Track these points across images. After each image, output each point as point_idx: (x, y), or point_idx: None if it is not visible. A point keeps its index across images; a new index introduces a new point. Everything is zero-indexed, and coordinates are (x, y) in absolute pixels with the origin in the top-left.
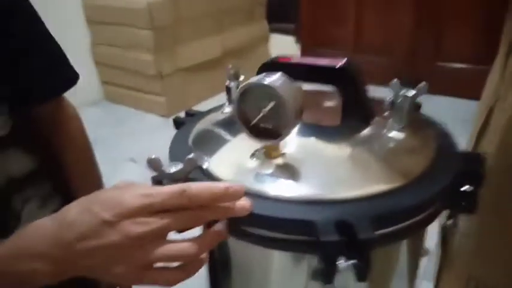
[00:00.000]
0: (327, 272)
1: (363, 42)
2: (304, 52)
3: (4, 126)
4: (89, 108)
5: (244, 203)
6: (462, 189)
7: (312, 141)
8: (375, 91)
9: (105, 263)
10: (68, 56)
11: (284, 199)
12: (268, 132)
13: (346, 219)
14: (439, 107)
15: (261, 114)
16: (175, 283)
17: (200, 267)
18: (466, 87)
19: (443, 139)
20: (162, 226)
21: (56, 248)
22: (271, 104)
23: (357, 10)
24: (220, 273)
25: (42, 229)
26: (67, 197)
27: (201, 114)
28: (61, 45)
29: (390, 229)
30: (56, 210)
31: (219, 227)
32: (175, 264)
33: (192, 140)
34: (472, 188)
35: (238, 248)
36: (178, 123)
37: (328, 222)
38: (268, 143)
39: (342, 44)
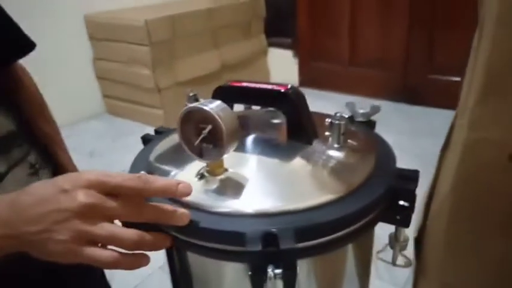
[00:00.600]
0: (255, 280)
1: (358, 55)
2: (302, 65)
3: None
4: (91, 121)
5: (185, 211)
6: (399, 203)
7: (257, 158)
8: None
9: (50, 230)
10: (72, 70)
11: (219, 212)
12: (209, 152)
13: (271, 231)
14: (431, 119)
15: (202, 136)
16: (109, 266)
17: (137, 265)
18: (459, 99)
19: (382, 157)
20: (110, 206)
21: (9, 210)
22: (209, 127)
23: (351, 25)
24: (182, 284)
25: (6, 198)
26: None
27: (168, 133)
28: (65, 60)
29: (315, 241)
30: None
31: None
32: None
33: (153, 157)
34: (406, 203)
35: (195, 260)
36: (145, 140)
37: (256, 234)
38: (209, 161)
39: (338, 57)
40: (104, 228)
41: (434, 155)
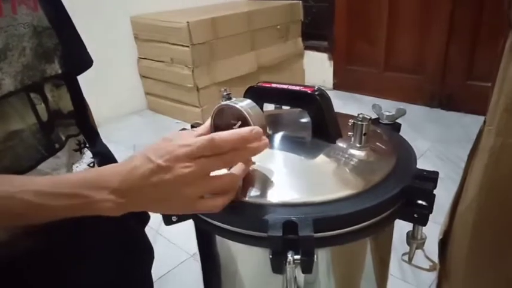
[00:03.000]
0: (275, 263)
1: (394, 60)
2: (337, 69)
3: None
4: (133, 116)
5: (264, 140)
6: (417, 202)
7: (282, 153)
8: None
9: (163, 198)
10: (118, 68)
11: (246, 201)
12: None
13: (291, 219)
14: (468, 126)
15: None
16: (220, 208)
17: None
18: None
19: (403, 158)
20: (202, 167)
21: (125, 184)
22: (239, 123)
23: (389, 29)
24: (212, 269)
25: (115, 169)
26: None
27: None
28: (112, 59)
29: (332, 232)
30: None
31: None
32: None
33: None
34: (424, 202)
35: (222, 243)
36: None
37: (277, 221)
38: None
39: (374, 61)
40: (205, 186)
41: None
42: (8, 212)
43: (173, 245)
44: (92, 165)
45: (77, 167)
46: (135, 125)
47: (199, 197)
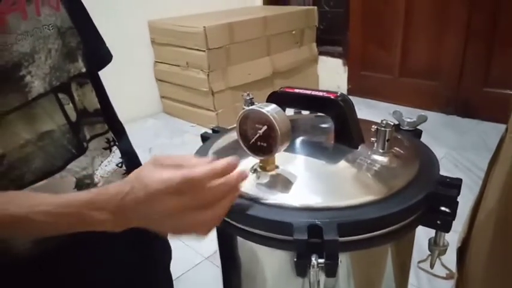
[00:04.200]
0: (299, 267)
1: (409, 66)
2: (351, 74)
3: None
4: (149, 119)
5: (240, 170)
6: (441, 209)
7: (305, 158)
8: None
9: (154, 222)
10: (134, 71)
11: (269, 204)
12: (263, 150)
13: (316, 223)
14: (484, 133)
15: (257, 135)
16: (204, 237)
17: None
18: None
19: (426, 164)
20: (183, 204)
21: (120, 207)
22: (265, 127)
23: (405, 35)
24: (233, 271)
25: (114, 190)
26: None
27: (224, 132)
28: (128, 63)
29: (356, 237)
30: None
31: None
32: None
33: (211, 153)
34: (447, 209)
35: (243, 246)
36: (204, 138)
37: (302, 225)
38: (262, 158)
39: (389, 67)
40: (185, 222)
41: (485, 169)
42: (21, 231)
43: (188, 247)
44: (120, 165)
45: (105, 165)
46: (151, 128)
47: (186, 222)
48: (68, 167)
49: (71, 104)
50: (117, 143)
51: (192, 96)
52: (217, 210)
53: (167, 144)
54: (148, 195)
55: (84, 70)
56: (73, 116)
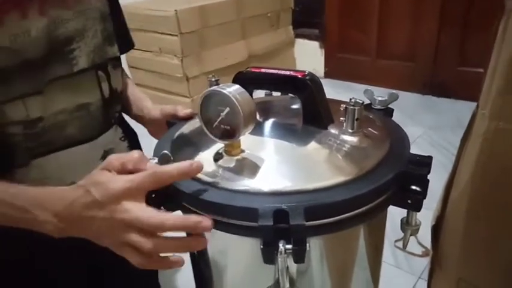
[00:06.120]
0: (266, 253)
1: (385, 48)
2: (328, 57)
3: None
4: None
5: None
6: (411, 188)
7: (273, 141)
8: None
9: (97, 233)
10: None
11: (234, 190)
12: (227, 133)
13: (282, 208)
14: (460, 112)
15: (220, 118)
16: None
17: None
18: (481, 89)
19: (397, 143)
20: (128, 219)
21: (67, 211)
22: (227, 109)
23: (381, 18)
24: (202, 261)
25: (62, 194)
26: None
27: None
28: None
29: (324, 220)
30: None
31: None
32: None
33: (176, 139)
34: (417, 188)
35: (211, 236)
36: (170, 124)
37: (268, 210)
38: (227, 142)
39: (365, 49)
40: (132, 239)
41: None
42: None
43: None
44: (122, 138)
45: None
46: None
47: (127, 245)
48: (99, 139)
49: (106, 82)
50: (126, 136)
51: (166, 82)
52: (159, 245)
53: (140, 132)
54: (106, 198)
55: (118, 54)
56: (107, 93)
